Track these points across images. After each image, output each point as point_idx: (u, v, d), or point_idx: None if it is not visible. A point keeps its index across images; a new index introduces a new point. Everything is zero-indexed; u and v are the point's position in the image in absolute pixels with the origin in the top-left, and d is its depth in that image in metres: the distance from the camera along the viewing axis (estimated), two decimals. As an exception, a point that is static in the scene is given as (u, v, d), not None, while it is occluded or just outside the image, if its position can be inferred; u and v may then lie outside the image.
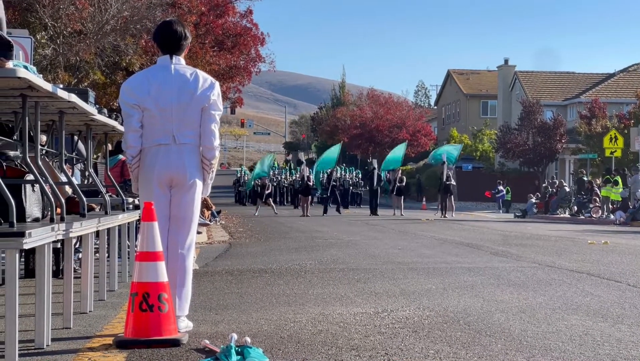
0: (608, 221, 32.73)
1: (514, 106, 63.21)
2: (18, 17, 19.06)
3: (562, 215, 38.17)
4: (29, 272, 9.84)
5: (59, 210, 6.29)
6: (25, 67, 5.54)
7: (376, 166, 39.17)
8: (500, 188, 49.28)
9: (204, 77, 6.50)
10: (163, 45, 6.53)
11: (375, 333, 6.49)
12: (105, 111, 9.11)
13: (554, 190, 40.89)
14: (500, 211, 46.59)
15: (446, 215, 34.13)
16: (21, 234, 4.98)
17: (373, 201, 36.30)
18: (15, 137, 6.83)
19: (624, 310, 7.82)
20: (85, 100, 7.43)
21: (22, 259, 10.02)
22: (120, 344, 5.83)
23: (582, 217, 35.71)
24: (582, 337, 6.32)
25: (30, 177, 6.12)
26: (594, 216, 34.76)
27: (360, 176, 51.46)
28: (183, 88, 6.39)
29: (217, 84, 6.57)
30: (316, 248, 15.73)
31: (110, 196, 8.66)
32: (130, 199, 9.66)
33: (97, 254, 8.78)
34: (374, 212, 35.59)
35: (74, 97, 6.64)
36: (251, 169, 58.15)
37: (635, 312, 7.67)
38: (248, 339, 5.43)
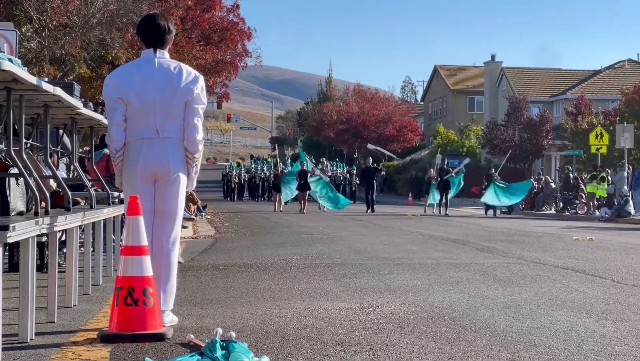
0: (593, 217, 32.82)
1: (501, 102, 63.35)
2: (3, 9, 19.00)
3: (547, 211, 38.27)
4: (13, 266, 9.79)
5: (43, 204, 6.26)
6: (10, 60, 5.52)
7: (371, 161, 37.99)
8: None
9: (188, 71, 6.48)
10: (147, 39, 6.51)
11: (361, 328, 6.49)
12: (91, 104, 9.08)
13: (540, 186, 40.99)
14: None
15: (447, 212, 33.42)
16: (5, 228, 4.95)
17: (369, 196, 34.61)
18: (-1, 130, 6.80)
19: (608, 305, 7.85)
20: (71, 93, 7.41)
21: (6, 253, 9.98)
22: (105, 338, 5.81)
23: (568, 213, 35.79)
24: (566, 333, 6.33)
25: (14, 170, 6.09)
26: (580, 212, 34.86)
27: (354, 171, 50.96)
28: (166, 82, 6.37)
29: (201, 77, 6.55)
30: (302, 243, 15.72)
31: (95, 190, 8.63)
32: (116, 193, 9.63)
33: (82, 248, 8.76)
34: (370, 208, 33.87)
35: (59, 91, 6.61)
36: (238, 164, 57.95)
37: (619, 308, 7.69)
38: (233, 333, 5.42)
